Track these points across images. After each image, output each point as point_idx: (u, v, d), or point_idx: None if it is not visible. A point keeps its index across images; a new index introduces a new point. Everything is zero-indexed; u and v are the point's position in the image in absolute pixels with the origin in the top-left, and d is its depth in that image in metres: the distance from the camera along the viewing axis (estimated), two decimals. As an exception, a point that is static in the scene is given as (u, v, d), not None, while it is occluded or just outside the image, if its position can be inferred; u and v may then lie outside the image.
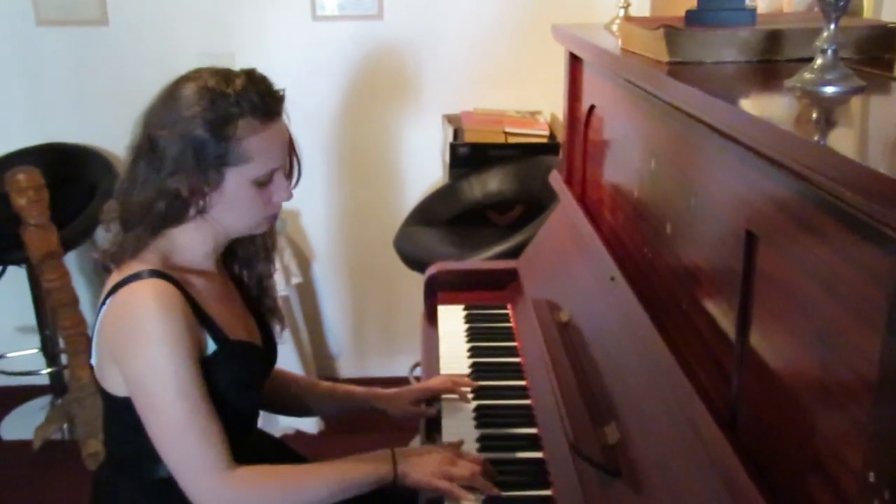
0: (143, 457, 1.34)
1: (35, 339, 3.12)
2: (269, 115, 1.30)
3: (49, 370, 3.09)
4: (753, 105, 1.01)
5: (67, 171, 2.97)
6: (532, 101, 3.08)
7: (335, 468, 1.36)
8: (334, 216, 3.25)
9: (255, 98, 1.28)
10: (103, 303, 1.32)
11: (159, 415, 1.27)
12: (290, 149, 1.41)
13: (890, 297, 0.66)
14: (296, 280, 3.03)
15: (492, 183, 2.90)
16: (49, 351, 3.09)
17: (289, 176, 1.41)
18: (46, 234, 2.64)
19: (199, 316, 1.32)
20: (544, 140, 2.90)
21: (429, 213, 2.93)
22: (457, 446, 1.45)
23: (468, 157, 2.89)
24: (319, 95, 3.10)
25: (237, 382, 1.38)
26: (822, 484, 0.80)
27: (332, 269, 3.31)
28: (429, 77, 3.09)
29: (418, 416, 1.64)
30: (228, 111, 1.26)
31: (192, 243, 1.36)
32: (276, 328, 1.55)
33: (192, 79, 1.31)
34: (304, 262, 3.27)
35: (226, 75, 1.30)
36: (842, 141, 0.80)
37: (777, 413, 0.90)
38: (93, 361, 1.37)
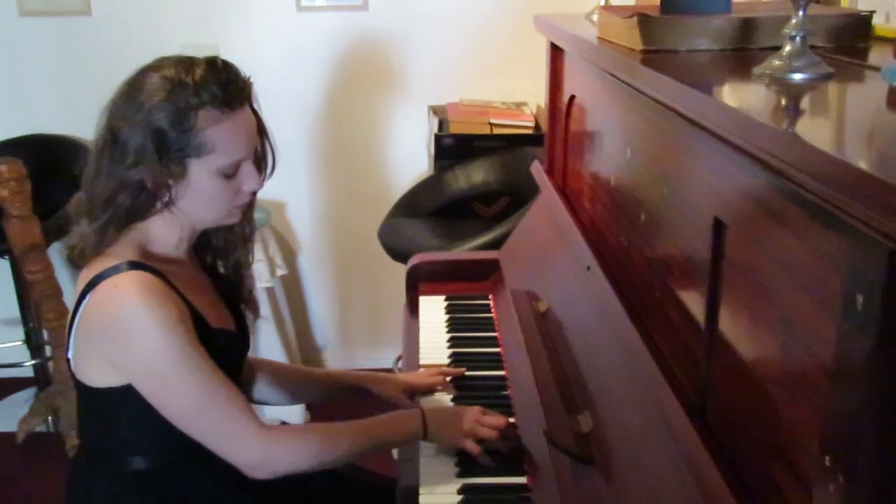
0: (119, 449, 1.34)
1: (19, 331, 3.10)
2: (231, 105, 1.28)
3: (33, 362, 3.07)
4: (720, 92, 1.01)
5: (51, 162, 2.95)
6: (518, 92, 3.08)
7: (369, 426, 1.39)
8: (320, 207, 3.25)
9: (216, 87, 1.26)
10: (82, 296, 1.30)
11: (179, 395, 1.27)
12: (263, 137, 1.40)
13: (845, 282, 0.66)
14: (281, 272, 3.02)
15: (477, 174, 2.90)
16: (33, 343, 3.08)
17: (260, 164, 1.40)
18: (29, 226, 2.62)
19: (184, 303, 1.32)
20: (530, 131, 2.90)
21: (414, 204, 2.92)
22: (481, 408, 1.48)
23: (453, 148, 2.89)
24: (305, 87, 3.09)
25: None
26: (786, 469, 0.80)
27: (318, 261, 3.31)
28: (414, 68, 3.09)
29: (404, 406, 1.63)
30: (188, 102, 1.25)
31: (163, 235, 1.36)
32: (250, 317, 1.55)
33: (153, 69, 1.30)
34: (290, 254, 3.26)
35: (187, 65, 1.29)
36: (803, 127, 0.80)
37: (744, 400, 0.90)
38: (69, 355, 1.36)
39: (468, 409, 1.46)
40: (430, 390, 1.64)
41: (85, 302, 1.30)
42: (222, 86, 1.27)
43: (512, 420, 1.51)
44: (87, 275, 1.31)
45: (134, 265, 1.28)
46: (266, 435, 1.30)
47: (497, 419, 1.44)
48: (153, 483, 1.35)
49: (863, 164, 0.61)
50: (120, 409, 1.32)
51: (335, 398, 1.71)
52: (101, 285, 1.27)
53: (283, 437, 1.33)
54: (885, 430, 0.63)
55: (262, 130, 1.40)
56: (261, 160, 1.41)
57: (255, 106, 1.38)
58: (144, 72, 1.30)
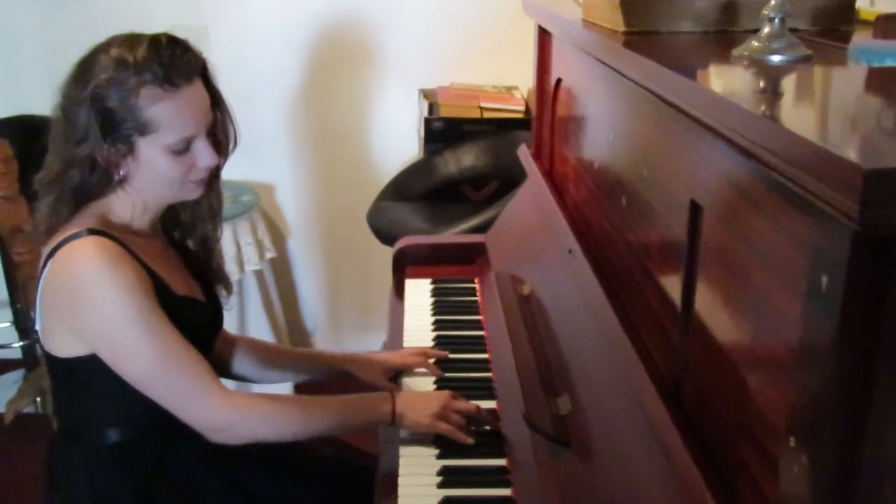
0: (92, 422, 1.35)
1: (7, 313, 3.09)
2: (174, 83, 1.27)
3: (21, 343, 3.06)
4: (696, 74, 1.00)
5: (38, 143, 2.93)
6: (509, 76, 3.06)
7: (338, 405, 1.39)
8: (309, 190, 3.23)
9: (156, 66, 1.26)
10: (44, 266, 1.31)
11: (137, 361, 1.28)
12: (221, 112, 1.40)
13: (810, 264, 0.66)
14: (269, 255, 3.01)
15: (466, 158, 2.89)
16: (21, 325, 3.06)
17: (217, 139, 1.39)
18: (15, 207, 2.61)
19: (145, 269, 1.32)
20: (520, 115, 2.89)
21: (403, 187, 2.92)
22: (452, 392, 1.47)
23: (443, 131, 2.88)
24: (295, 69, 3.07)
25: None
26: (755, 451, 0.80)
27: (307, 244, 3.30)
28: (405, 51, 3.07)
29: (385, 388, 1.63)
30: (128, 80, 1.25)
31: (124, 210, 1.36)
32: (223, 293, 1.55)
33: (101, 49, 1.30)
34: (279, 237, 3.25)
35: (132, 43, 1.29)
36: (774, 109, 0.80)
37: (716, 382, 0.90)
38: (36, 327, 1.36)
39: (439, 394, 1.46)
40: (411, 370, 1.64)
41: (46, 270, 1.31)
42: (164, 64, 1.27)
43: (493, 405, 1.52)
44: (49, 245, 1.32)
45: (93, 231, 1.29)
46: (230, 399, 1.31)
47: (467, 405, 1.43)
48: (129, 456, 1.35)
49: (828, 145, 0.61)
50: (89, 380, 1.32)
51: (316, 378, 1.72)
52: (60, 251, 1.28)
53: (249, 402, 1.32)
54: (847, 412, 0.63)
55: (218, 105, 1.40)
56: (218, 135, 1.40)
57: (211, 81, 1.37)
58: (94, 52, 1.30)
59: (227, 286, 1.56)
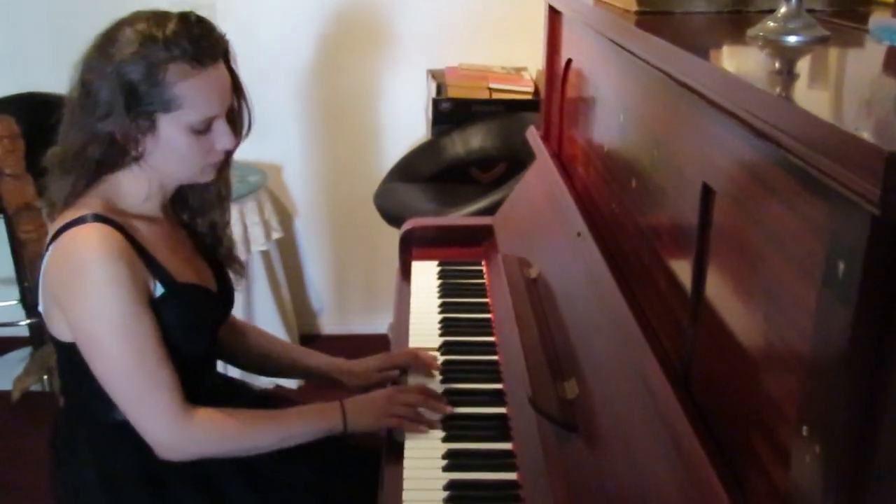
0: (98, 401, 1.34)
1: (14, 291, 3.10)
2: (202, 61, 1.27)
3: (28, 321, 3.07)
4: (710, 54, 0.98)
5: (45, 121, 2.91)
6: (518, 57, 3.04)
7: (288, 417, 1.40)
8: (317, 171, 3.22)
9: (186, 42, 1.25)
10: (47, 249, 1.31)
11: (106, 359, 1.28)
12: (239, 95, 1.39)
13: (827, 249, 0.64)
14: (277, 235, 3.01)
15: (475, 140, 2.87)
16: (28, 302, 3.07)
17: (235, 123, 1.38)
18: (22, 185, 2.60)
19: (144, 260, 1.31)
20: (529, 97, 2.87)
21: (410, 169, 2.90)
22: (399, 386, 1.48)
23: (451, 112, 2.86)
24: (303, 48, 3.05)
25: (185, 325, 1.37)
26: (765, 439, 0.79)
27: (315, 225, 3.29)
28: (414, 31, 3.04)
29: (384, 381, 1.61)
30: (157, 56, 1.24)
31: (134, 189, 1.35)
32: (235, 277, 1.54)
33: (127, 22, 1.29)
34: (286, 217, 3.24)
35: (160, 19, 1.27)
36: (791, 90, 0.78)
37: (726, 368, 0.89)
38: (40, 309, 1.36)
39: (383, 391, 1.46)
40: (405, 369, 1.60)
41: (48, 253, 1.30)
42: (193, 41, 1.26)
43: (500, 387, 1.51)
44: (53, 227, 1.32)
45: (98, 218, 1.28)
46: (182, 420, 1.30)
47: (412, 388, 1.45)
48: (134, 434, 1.35)
49: (847, 127, 0.59)
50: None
51: (311, 381, 1.72)
52: (62, 236, 1.28)
53: (199, 424, 1.31)
54: (862, 402, 0.61)
55: (237, 89, 1.39)
56: (236, 119, 1.40)
57: (232, 64, 1.36)
58: (118, 25, 1.29)
59: (239, 270, 1.56)
